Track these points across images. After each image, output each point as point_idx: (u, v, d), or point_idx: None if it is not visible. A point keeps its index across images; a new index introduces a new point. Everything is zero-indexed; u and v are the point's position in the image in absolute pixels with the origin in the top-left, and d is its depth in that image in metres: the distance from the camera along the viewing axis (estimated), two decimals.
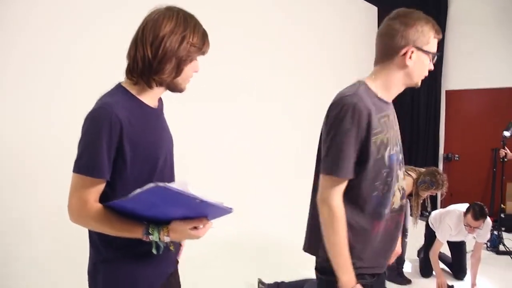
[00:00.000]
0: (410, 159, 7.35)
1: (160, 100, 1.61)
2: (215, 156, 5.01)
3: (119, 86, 1.46)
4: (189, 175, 3.99)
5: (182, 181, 1.21)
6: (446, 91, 7.26)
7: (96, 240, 1.43)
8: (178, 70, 1.42)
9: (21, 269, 3.06)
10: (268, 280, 3.78)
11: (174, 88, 1.49)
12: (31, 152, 3.31)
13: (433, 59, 1.64)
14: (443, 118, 7.36)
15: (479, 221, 3.71)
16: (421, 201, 4.23)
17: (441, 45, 6.91)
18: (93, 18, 3.68)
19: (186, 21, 1.41)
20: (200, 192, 1.21)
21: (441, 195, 4.17)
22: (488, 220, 3.86)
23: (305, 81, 6.32)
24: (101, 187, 1.35)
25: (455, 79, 7.15)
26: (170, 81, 1.44)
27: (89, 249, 1.49)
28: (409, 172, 4.20)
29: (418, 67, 1.62)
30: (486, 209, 3.78)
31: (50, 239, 3.28)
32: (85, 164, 1.32)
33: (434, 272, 4.07)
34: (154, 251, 1.38)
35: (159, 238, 1.32)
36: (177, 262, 1.71)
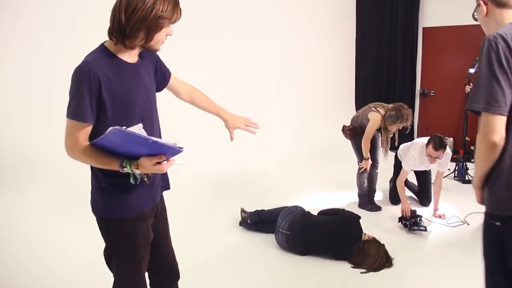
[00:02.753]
0: (387, 94, 7.61)
1: (143, 55, 1.83)
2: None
3: (101, 46, 1.72)
4: (187, 120, 4.24)
5: (137, 126, 1.53)
6: (423, 28, 7.38)
7: (97, 171, 1.76)
8: (149, 37, 1.65)
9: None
10: (250, 209, 4.13)
11: (148, 49, 1.74)
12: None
13: None
14: (419, 55, 7.50)
15: (439, 151, 4.03)
16: (391, 135, 4.55)
17: None
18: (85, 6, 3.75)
19: None
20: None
21: (407, 128, 4.48)
22: (448, 150, 4.18)
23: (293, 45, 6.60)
24: (88, 129, 1.65)
25: (432, 16, 7.25)
26: (142, 45, 1.69)
27: (91, 179, 1.83)
28: (378, 109, 4.49)
29: None
30: (445, 141, 4.10)
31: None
32: (72, 111, 1.62)
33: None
34: (132, 181, 1.69)
35: (131, 170, 1.62)
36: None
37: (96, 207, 1.83)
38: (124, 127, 1.46)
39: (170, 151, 1.61)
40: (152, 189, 1.88)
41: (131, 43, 1.65)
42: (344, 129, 4.73)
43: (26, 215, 3.40)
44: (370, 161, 4.56)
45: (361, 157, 4.60)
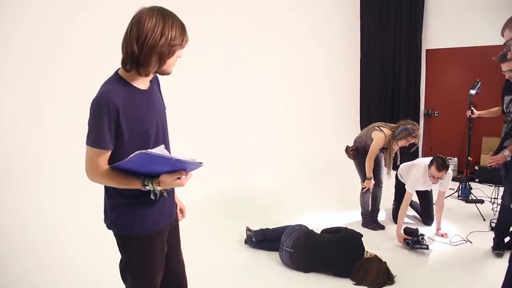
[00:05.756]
0: (392, 115, 7.68)
1: (152, 80, 1.93)
2: (211, 119, 5.38)
3: (115, 74, 1.81)
4: (192, 138, 4.29)
5: (160, 147, 1.65)
6: (427, 49, 7.47)
7: (112, 191, 1.86)
8: (161, 62, 1.74)
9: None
10: (255, 227, 4.20)
11: (161, 73, 1.83)
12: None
13: None
14: (423, 76, 7.58)
15: (442, 172, 4.09)
16: (394, 154, 4.64)
17: (421, 4, 7.13)
18: (81, 14, 3.84)
19: (163, 19, 1.69)
20: (176, 154, 1.67)
21: (414, 144, 4.61)
22: (450, 171, 4.25)
23: (294, 53, 6.72)
24: (107, 154, 1.74)
25: (435, 38, 7.35)
26: (155, 71, 1.78)
27: (104, 198, 1.91)
28: (381, 128, 4.58)
29: None
30: (447, 161, 4.16)
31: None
32: (93, 139, 1.70)
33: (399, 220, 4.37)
34: (152, 197, 1.80)
35: (153, 188, 1.74)
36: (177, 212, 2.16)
37: (113, 224, 1.90)
38: (150, 150, 1.58)
39: (190, 167, 1.73)
40: (170, 206, 2.00)
41: (146, 71, 1.73)
42: (347, 149, 4.82)
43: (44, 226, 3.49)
44: (373, 181, 4.64)
45: (364, 177, 4.68)
